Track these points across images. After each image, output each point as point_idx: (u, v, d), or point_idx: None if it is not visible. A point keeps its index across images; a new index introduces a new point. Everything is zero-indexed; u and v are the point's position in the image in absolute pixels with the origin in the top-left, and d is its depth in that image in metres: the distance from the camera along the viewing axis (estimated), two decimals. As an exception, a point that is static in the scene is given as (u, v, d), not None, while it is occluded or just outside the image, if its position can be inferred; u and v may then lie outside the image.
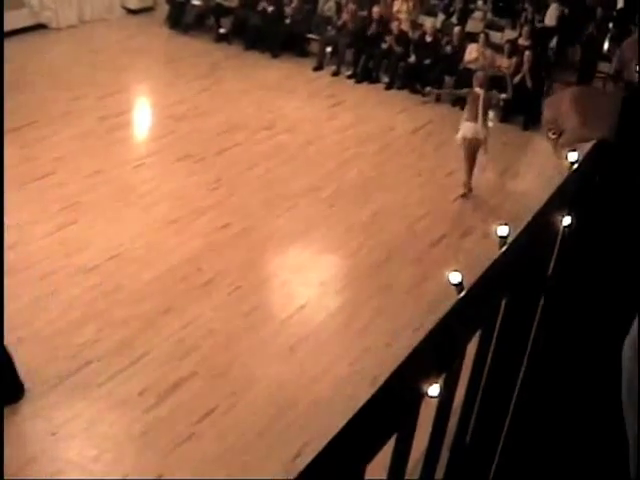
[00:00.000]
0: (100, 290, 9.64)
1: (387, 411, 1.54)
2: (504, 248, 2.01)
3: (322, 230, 11.59)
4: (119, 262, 10.23)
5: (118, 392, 8.14)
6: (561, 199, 2.19)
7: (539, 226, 2.11)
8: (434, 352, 1.68)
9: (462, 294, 1.87)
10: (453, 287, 1.97)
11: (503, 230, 2.04)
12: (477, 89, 13.04)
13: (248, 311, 9.60)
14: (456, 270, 1.91)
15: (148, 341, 8.87)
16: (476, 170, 12.92)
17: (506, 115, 16.00)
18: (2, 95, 11.78)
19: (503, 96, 14.94)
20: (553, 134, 2.06)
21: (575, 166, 2.18)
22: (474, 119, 12.76)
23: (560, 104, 2.06)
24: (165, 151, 13.28)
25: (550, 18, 18.64)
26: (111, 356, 8.59)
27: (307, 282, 10.38)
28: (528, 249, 2.03)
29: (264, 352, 9.01)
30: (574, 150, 2.05)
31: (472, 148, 12.78)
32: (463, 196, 12.84)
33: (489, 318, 1.92)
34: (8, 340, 7.71)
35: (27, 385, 7.99)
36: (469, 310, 1.79)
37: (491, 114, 16.02)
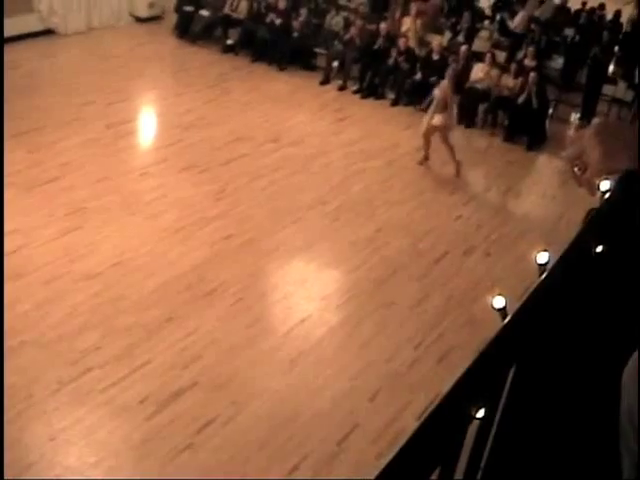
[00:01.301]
0: (103, 297, 9.66)
1: (435, 439, 1.57)
2: (543, 275, 2.04)
3: (326, 244, 11.62)
4: (123, 269, 10.25)
5: (119, 399, 8.15)
6: (595, 228, 2.22)
7: (575, 254, 2.15)
8: (481, 377, 1.71)
9: (506, 320, 1.90)
10: (497, 312, 1.99)
11: (543, 257, 2.07)
12: (445, 82, 14.24)
13: (250, 322, 9.63)
14: (500, 294, 1.93)
15: (150, 349, 8.89)
16: (478, 188, 12.96)
17: (510, 135, 16.07)
18: (2, 97, 11.84)
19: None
20: (579, 170, 2.09)
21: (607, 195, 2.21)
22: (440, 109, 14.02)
23: (583, 139, 2.10)
24: (171, 160, 13.32)
25: (518, 25, 19.55)
26: (113, 363, 8.60)
27: (309, 296, 10.41)
28: (565, 277, 2.07)
29: (265, 364, 9.03)
30: (607, 179, 2.09)
31: (428, 133, 14.19)
32: (421, 164, 14.48)
33: (530, 345, 1.95)
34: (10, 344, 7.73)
35: (28, 390, 8.02)
36: (512, 336, 1.82)
37: (496, 133, 16.18)
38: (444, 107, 14.00)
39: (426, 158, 14.52)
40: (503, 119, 16.49)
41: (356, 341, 9.61)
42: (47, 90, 15.23)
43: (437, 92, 14.28)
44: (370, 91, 17.36)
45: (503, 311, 1.93)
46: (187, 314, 9.59)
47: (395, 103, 17.19)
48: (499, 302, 2.00)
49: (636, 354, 2.30)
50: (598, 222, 2.26)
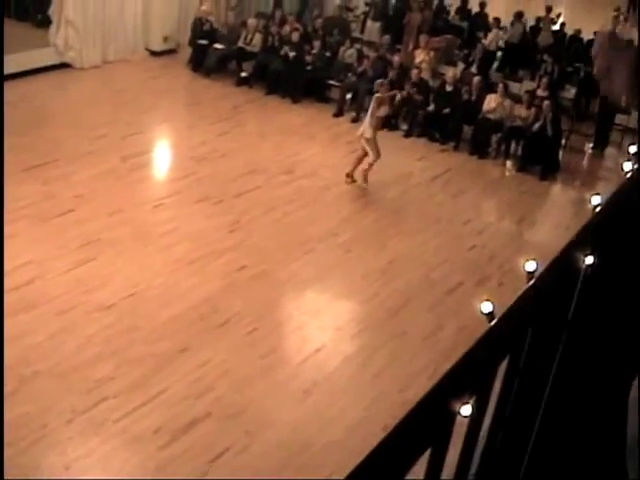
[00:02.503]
0: (117, 328, 9.70)
1: (421, 428, 1.60)
2: (531, 282, 2.07)
3: (339, 275, 11.64)
4: (137, 300, 10.29)
5: (133, 429, 8.17)
6: (584, 239, 2.25)
7: (563, 263, 2.18)
8: (467, 374, 1.74)
9: (493, 322, 1.94)
10: (485, 316, 2.03)
11: (531, 265, 2.11)
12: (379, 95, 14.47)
13: (264, 353, 9.64)
14: (488, 300, 1.97)
15: (164, 380, 8.91)
16: (491, 217, 12.98)
17: (524, 165, 16.09)
18: (2, 116, 11.94)
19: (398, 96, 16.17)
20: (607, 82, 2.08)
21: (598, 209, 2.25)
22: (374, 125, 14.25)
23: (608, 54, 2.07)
24: (185, 192, 13.38)
25: (491, 43, 20.46)
26: (127, 393, 8.63)
27: (323, 326, 10.42)
28: (553, 284, 2.10)
29: (279, 394, 9.04)
30: (598, 194, 2.12)
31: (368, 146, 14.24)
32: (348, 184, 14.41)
33: (517, 344, 1.98)
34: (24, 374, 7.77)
35: (42, 419, 8.04)
36: (499, 336, 1.85)
37: (509, 163, 16.21)
38: (378, 125, 14.36)
39: (353, 179, 14.50)
40: (516, 149, 16.52)
41: (370, 371, 9.60)
42: (61, 123, 15.34)
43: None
44: (383, 123, 17.40)
45: (490, 315, 1.97)
46: (200, 345, 9.61)
47: (408, 134, 17.24)
48: (487, 307, 2.03)
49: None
50: (588, 233, 2.29)
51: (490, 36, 20.61)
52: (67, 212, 12.13)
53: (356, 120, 17.44)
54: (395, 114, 17.22)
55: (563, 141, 16.85)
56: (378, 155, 14.23)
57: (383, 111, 14.37)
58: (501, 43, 20.95)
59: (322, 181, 14.42)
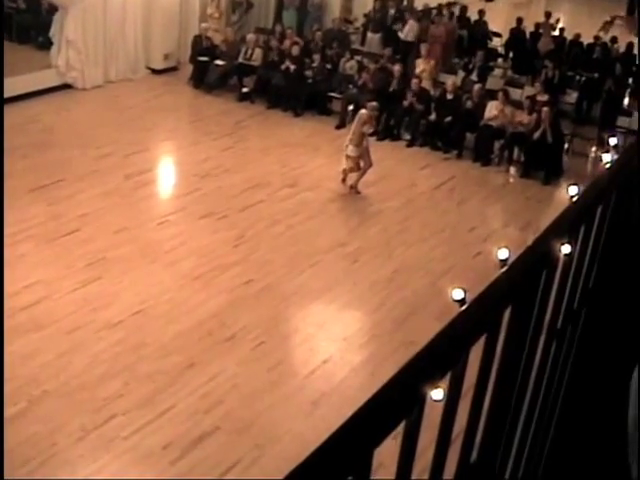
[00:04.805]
0: (125, 345, 9.73)
1: (389, 407, 1.63)
2: (504, 269, 2.11)
3: (345, 286, 11.66)
4: (144, 317, 10.33)
5: (143, 445, 8.19)
6: (560, 228, 2.29)
7: (538, 252, 2.21)
8: (437, 355, 1.77)
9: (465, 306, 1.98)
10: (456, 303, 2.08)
11: (503, 253, 2.15)
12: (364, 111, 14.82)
13: (271, 366, 9.66)
14: (459, 287, 2.02)
15: (172, 395, 8.93)
16: (496, 224, 12.99)
17: (527, 170, 16.11)
18: (2, 137, 12.00)
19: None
20: None
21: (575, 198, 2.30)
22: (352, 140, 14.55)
23: None
24: (189, 208, 13.42)
25: (408, 34, 20.99)
26: (136, 410, 8.65)
27: (330, 337, 10.44)
28: (527, 271, 2.13)
29: (287, 407, 9.05)
30: (575, 184, 2.16)
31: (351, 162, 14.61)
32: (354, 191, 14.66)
33: (490, 327, 2.01)
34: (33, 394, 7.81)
35: (52, 438, 8.07)
36: (469, 319, 1.88)
37: (512, 170, 16.24)
38: (360, 141, 14.50)
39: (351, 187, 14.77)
40: (519, 155, 16.55)
41: (378, 381, 9.44)
42: (65, 143, 15.40)
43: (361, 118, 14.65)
44: (386, 133, 17.44)
45: (462, 302, 2.00)
46: (208, 360, 9.63)
47: (411, 144, 17.27)
48: (458, 294, 2.07)
49: None
50: (564, 222, 2.33)
51: (406, 28, 21.20)
52: (73, 231, 12.17)
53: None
54: (389, 116, 17.35)
55: (566, 145, 16.87)
56: (370, 164, 14.64)
57: (367, 128, 14.60)
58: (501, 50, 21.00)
59: (326, 193, 14.46)
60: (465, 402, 2.22)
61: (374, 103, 15.35)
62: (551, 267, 2.32)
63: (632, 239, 2.88)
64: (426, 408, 1.79)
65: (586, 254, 2.73)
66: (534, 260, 2.21)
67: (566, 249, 2.27)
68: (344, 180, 14.77)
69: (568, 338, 2.91)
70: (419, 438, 2.02)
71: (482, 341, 2.13)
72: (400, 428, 2.05)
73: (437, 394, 1.75)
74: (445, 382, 1.86)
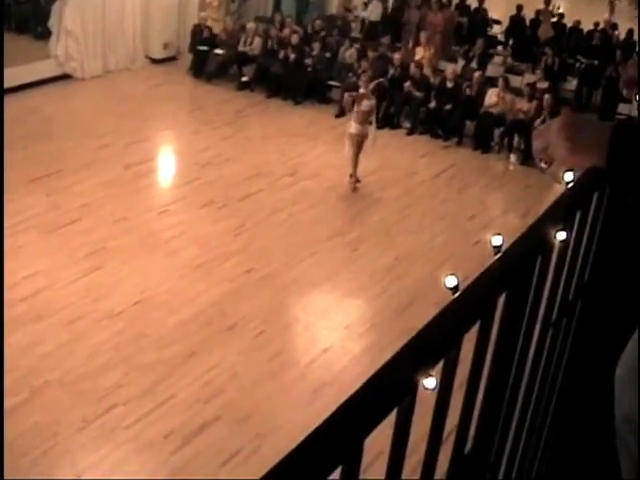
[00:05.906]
0: (126, 335, 9.74)
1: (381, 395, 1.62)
2: (499, 255, 2.10)
3: (345, 274, 11.66)
4: (144, 307, 10.33)
5: (144, 435, 8.20)
6: (556, 214, 2.28)
7: (532, 237, 2.21)
8: (429, 343, 1.77)
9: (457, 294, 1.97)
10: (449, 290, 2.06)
11: (497, 240, 2.13)
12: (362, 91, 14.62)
13: (272, 355, 9.67)
14: (452, 274, 1.99)
15: (173, 385, 8.94)
16: (497, 212, 12.98)
17: (527, 158, 16.07)
18: (2, 121, 11.99)
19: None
20: (545, 163, 2.14)
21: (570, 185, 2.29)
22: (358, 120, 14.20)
23: (549, 133, 2.12)
24: (190, 197, 13.42)
25: (371, 13, 21.35)
26: (137, 399, 8.66)
27: (331, 326, 10.45)
28: (521, 256, 2.13)
29: (288, 396, 9.07)
30: (571, 170, 2.15)
31: (357, 144, 14.11)
32: (354, 190, 14.22)
33: (484, 313, 2.01)
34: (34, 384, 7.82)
35: (53, 428, 8.09)
36: (463, 306, 1.88)
37: (513, 157, 16.22)
38: (363, 119, 14.24)
39: (357, 180, 14.37)
40: (519, 143, 16.52)
41: (379, 369, 9.60)
42: (65, 134, 15.38)
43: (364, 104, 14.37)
44: (386, 121, 17.41)
45: (455, 289, 1.98)
46: (209, 349, 9.64)
47: (411, 132, 17.26)
48: (451, 281, 2.05)
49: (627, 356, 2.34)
50: (560, 209, 2.32)
51: (369, 7, 21.52)
52: (73, 222, 12.17)
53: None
54: (389, 104, 17.30)
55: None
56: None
57: (365, 105, 14.31)
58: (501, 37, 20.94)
59: (326, 182, 14.44)
60: (459, 395, 2.22)
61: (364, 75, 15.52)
62: (546, 252, 2.31)
63: (628, 228, 2.87)
64: (420, 401, 1.79)
65: (581, 243, 2.73)
66: (529, 246, 2.20)
67: (561, 235, 2.27)
68: (354, 190, 14.33)
69: (563, 329, 2.91)
70: (416, 430, 2.02)
71: (478, 342, 2.13)
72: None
73: (430, 382, 1.75)
74: (438, 371, 1.86)
